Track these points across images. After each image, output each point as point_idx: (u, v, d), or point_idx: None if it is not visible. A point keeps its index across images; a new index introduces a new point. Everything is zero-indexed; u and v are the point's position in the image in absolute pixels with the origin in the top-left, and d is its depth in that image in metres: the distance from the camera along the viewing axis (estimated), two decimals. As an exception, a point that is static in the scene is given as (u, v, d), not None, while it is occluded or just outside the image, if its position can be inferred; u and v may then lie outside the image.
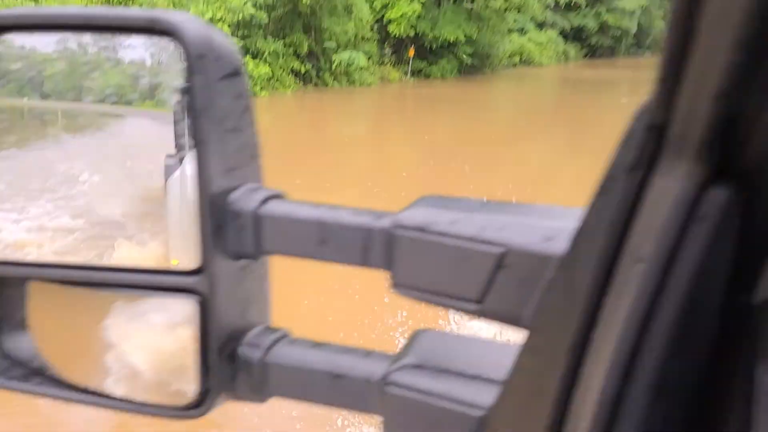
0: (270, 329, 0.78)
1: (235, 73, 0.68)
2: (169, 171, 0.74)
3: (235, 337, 0.73)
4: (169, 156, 0.74)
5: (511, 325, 0.63)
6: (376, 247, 0.66)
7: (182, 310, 0.83)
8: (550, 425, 0.59)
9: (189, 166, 0.72)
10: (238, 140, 0.69)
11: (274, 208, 0.69)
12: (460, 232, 0.61)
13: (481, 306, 0.62)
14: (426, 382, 0.67)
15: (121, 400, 0.73)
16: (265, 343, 0.75)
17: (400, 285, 0.66)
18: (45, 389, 0.73)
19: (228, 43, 0.67)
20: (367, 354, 0.74)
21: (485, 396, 0.65)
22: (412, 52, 27.72)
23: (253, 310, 0.76)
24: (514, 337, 0.89)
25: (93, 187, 0.80)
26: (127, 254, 0.75)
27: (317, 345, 0.76)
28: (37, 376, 0.75)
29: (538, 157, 15.39)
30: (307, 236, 0.68)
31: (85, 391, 0.73)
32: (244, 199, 0.69)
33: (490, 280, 0.60)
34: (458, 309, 0.63)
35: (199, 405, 0.71)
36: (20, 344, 0.78)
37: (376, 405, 0.71)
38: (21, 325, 0.79)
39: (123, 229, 0.77)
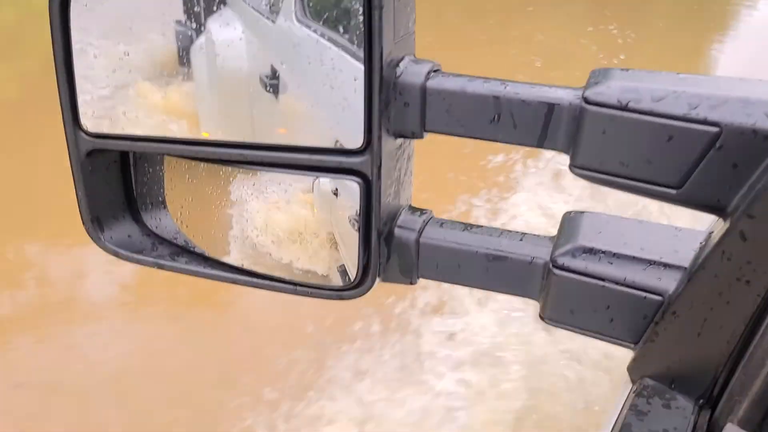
0: (416, 209, 0.75)
1: None
2: (183, 38, 0.68)
3: (391, 218, 0.71)
4: (179, 22, 0.67)
5: (711, 211, 0.59)
6: (559, 125, 0.61)
7: (328, 185, 0.80)
8: (753, 315, 0.57)
9: (217, 32, 0.66)
10: (405, 6, 0.62)
11: (442, 82, 0.63)
12: (668, 111, 0.55)
13: (680, 192, 0.57)
14: (601, 266, 0.65)
15: (277, 280, 0.71)
16: (418, 225, 0.72)
17: (582, 167, 0.61)
18: (197, 268, 0.72)
19: None
20: (522, 236, 0.71)
21: (665, 282, 0.63)
22: None
23: (403, 190, 0.73)
24: (680, 221, 0.86)
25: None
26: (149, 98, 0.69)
27: (467, 226, 0.74)
28: (185, 253, 0.74)
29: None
30: (479, 113, 0.62)
31: (238, 270, 0.72)
32: (409, 72, 0.63)
33: (696, 163, 0.56)
34: (649, 194, 0.59)
35: (358, 286, 0.70)
36: (162, 221, 0.76)
37: (537, 289, 0.69)
38: (160, 202, 0.77)
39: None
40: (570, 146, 0.61)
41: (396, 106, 0.63)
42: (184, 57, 0.69)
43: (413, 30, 0.67)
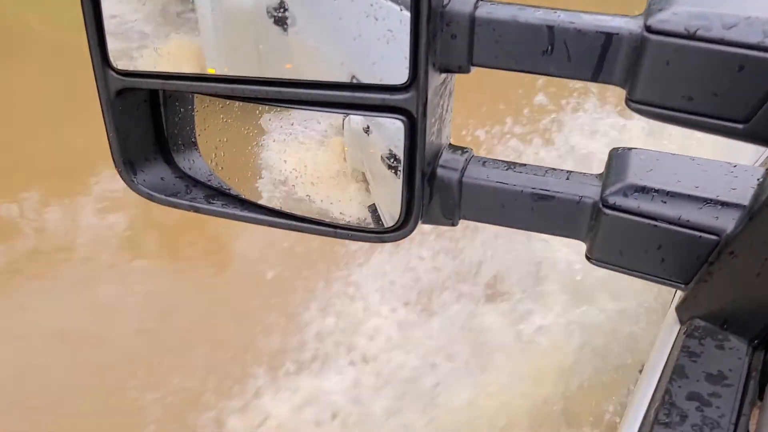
0: (456, 148, 0.73)
1: None
2: None
3: (433, 158, 0.68)
4: None
5: None
6: (617, 57, 0.57)
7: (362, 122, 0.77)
8: None
9: None
10: None
11: (492, 10, 0.59)
12: (740, 39, 0.52)
13: (746, 126, 0.54)
14: (654, 205, 0.62)
15: (316, 223, 0.70)
16: (460, 164, 0.70)
17: (640, 102, 0.58)
18: (234, 211, 0.70)
19: None
20: (569, 175, 0.69)
21: (722, 221, 0.61)
22: None
23: (444, 128, 0.70)
24: (733, 157, 0.83)
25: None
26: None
27: (511, 165, 0.71)
28: (220, 196, 0.72)
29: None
30: (530, 44, 0.59)
31: (276, 213, 0.70)
32: (457, 0, 0.59)
33: (766, 95, 0.52)
34: (712, 130, 0.56)
35: (401, 228, 0.68)
36: (195, 163, 0.74)
37: (584, 229, 0.67)
38: (192, 143, 0.74)
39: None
40: (628, 79, 0.58)
41: (442, 38, 0.60)
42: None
43: None
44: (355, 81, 0.63)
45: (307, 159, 0.81)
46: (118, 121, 0.66)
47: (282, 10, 0.66)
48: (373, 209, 0.87)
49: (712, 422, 0.52)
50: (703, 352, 0.59)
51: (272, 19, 0.68)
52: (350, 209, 0.82)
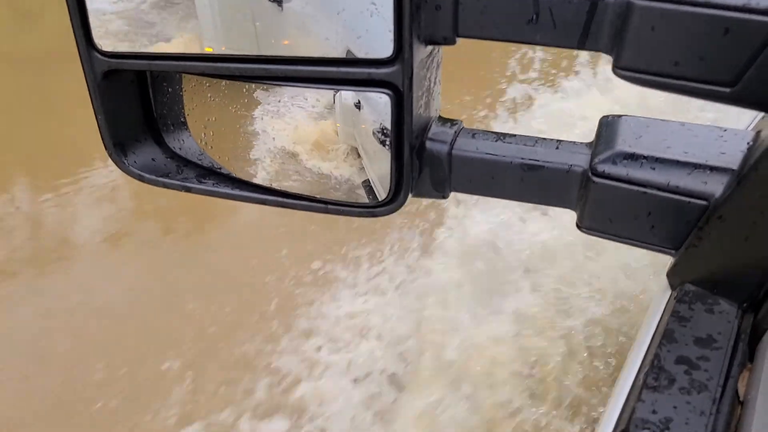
0: (445, 120, 0.73)
1: None
2: None
3: (421, 131, 0.68)
4: None
5: (766, 110, 0.56)
6: (603, 23, 0.56)
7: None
8: None
9: None
10: None
11: None
12: (726, 1, 0.51)
13: (733, 90, 0.54)
14: (643, 172, 0.62)
15: (308, 199, 0.70)
16: (449, 136, 0.70)
17: (627, 69, 0.57)
18: (225, 189, 0.70)
19: None
20: (558, 144, 0.69)
21: (711, 185, 0.61)
22: None
23: (433, 100, 0.70)
24: (723, 120, 0.82)
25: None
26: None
27: (501, 135, 0.71)
28: (212, 175, 0.73)
29: None
30: (515, 13, 0.58)
31: (268, 190, 0.71)
32: None
33: (752, 58, 0.52)
34: (699, 94, 0.56)
35: (391, 202, 0.69)
36: (185, 143, 0.74)
37: (574, 198, 0.68)
38: (182, 122, 0.74)
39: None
40: (614, 46, 0.57)
41: (426, 10, 0.59)
42: None
43: None
44: (349, 54, 0.63)
45: (295, 134, 0.81)
46: (106, 103, 0.66)
47: None
48: (367, 184, 0.87)
49: (700, 385, 0.53)
50: (693, 317, 0.60)
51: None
52: (343, 185, 0.82)
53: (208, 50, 0.70)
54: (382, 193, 0.76)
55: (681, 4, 0.52)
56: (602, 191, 0.64)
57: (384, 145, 0.74)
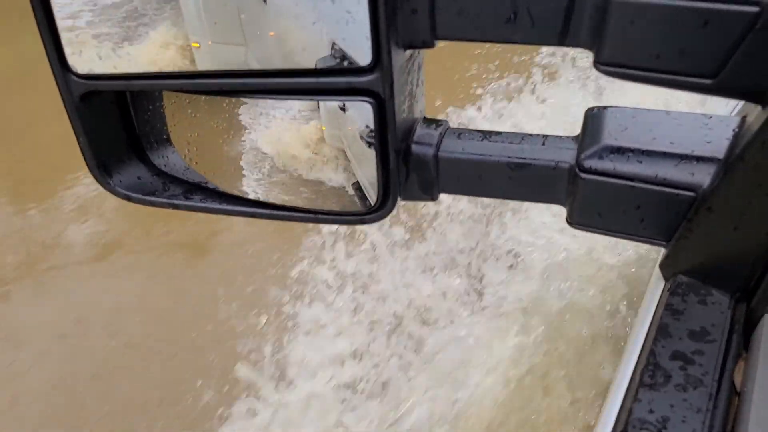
0: (430, 121, 0.72)
1: None
2: None
3: (406, 134, 0.68)
4: None
5: (749, 99, 0.55)
6: (582, 19, 0.56)
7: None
8: None
9: None
10: None
11: None
12: None
13: (715, 81, 0.54)
14: (630, 165, 0.62)
15: (297, 210, 0.70)
16: (435, 138, 0.69)
17: (608, 64, 0.57)
18: (213, 204, 0.70)
19: None
20: (545, 140, 0.68)
21: (698, 176, 0.60)
22: None
23: (416, 103, 0.69)
24: (711, 107, 0.81)
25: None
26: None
27: (486, 134, 0.71)
28: (198, 191, 0.72)
29: None
30: (493, 13, 0.58)
31: (256, 203, 0.70)
32: None
33: (733, 48, 0.52)
34: (682, 87, 0.56)
35: (380, 209, 0.68)
36: (170, 159, 0.74)
37: (563, 194, 0.67)
38: (165, 139, 0.74)
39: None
40: (594, 42, 0.57)
41: (403, 15, 0.58)
42: None
43: None
44: (335, 47, 0.62)
45: (280, 141, 0.80)
46: (86, 125, 0.66)
47: None
48: (357, 186, 0.87)
49: (696, 380, 0.53)
50: (686, 309, 0.60)
51: None
52: (332, 189, 0.82)
53: (195, 45, 0.69)
54: (372, 195, 0.76)
55: None
56: (590, 187, 0.64)
57: (371, 147, 0.73)
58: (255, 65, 0.79)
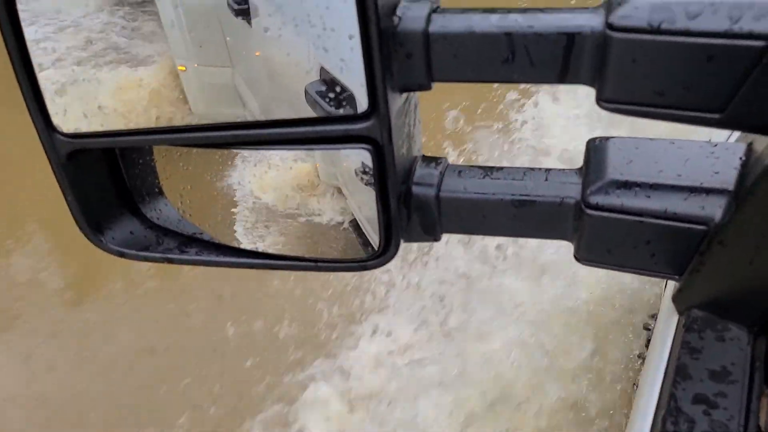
0: (429, 159, 0.70)
1: None
2: None
3: (405, 176, 0.66)
4: None
5: (758, 132, 0.54)
6: (581, 57, 0.54)
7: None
8: None
9: None
10: None
11: (446, 23, 0.56)
12: (707, 28, 0.49)
13: (723, 115, 0.52)
14: (638, 201, 0.60)
15: (296, 259, 0.67)
16: (435, 178, 0.68)
17: (611, 101, 0.55)
18: (209, 257, 0.68)
19: None
20: (547, 174, 0.67)
21: (709, 209, 0.59)
22: None
23: (414, 143, 0.67)
24: (716, 136, 0.80)
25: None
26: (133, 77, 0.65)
27: (488, 171, 0.69)
28: (193, 243, 0.70)
29: None
30: (490, 54, 0.56)
31: (253, 254, 0.68)
32: (408, 18, 0.56)
33: (739, 83, 0.50)
34: (689, 121, 0.54)
35: (382, 254, 0.66)
36: (163, 212, 0.72)
37: (570, 230, 0.66)
38: (157, 192, 0.72)
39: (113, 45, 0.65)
40: (596, 79, 0.55)
41: (398, 59, 0.57)
42: None
43: None
44: (323, 71, 0.60)
45: (277, 183, 0.78)
46: (74, 183, 0.63)
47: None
48: (355, 225, 0.85)
49: (722, 426, 0.51)
50: (704, 347, 0.58)
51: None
52: (330, 231, 0.80)
53: (181, 68, 0.68)
54: (371, 233, 0.74)
55: (660, 34, 0.50)
56: (598, 223, 0.62)
57: (368, 185, 0.71)
58: (242, 86, 0.77)
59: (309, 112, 0.71)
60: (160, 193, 0.72)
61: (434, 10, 0.57)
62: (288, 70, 0.67)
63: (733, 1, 0.49)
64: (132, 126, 0.62)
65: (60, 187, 0.63)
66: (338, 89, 0.61)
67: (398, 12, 0.56)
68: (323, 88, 0.64)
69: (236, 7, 0.64)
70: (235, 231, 0.72)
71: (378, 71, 0.55)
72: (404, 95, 0.61)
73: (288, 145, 0.61)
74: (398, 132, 0.61)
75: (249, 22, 0.64)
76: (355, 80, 0.56)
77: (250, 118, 0.79)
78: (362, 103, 0.57)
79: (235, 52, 0.68)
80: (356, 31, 0.53)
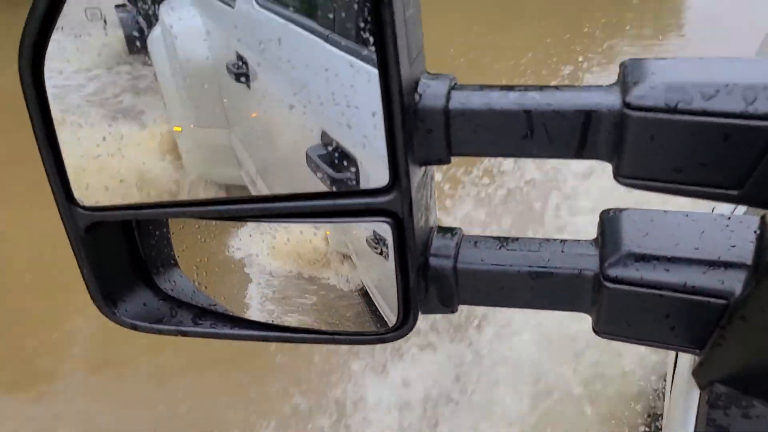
0: (445, 230, 0.71)
1: None
2: (127, 24, 0.62)
3: (423, 248, 0.66)
4: (121, 7, 0.62)
5: None
6: (598, 134, 0.55)
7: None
8: None
9: (173, 21, 0.61)
10: (415, 21, 0.56)
11: (465, 100, 0.57)
12: (723, 108, 0.51)
13: (741, 192, 0.53)
14: (657, 274, 0.61)
15: (313, 332, 0.67)
16: (452, 249, 0.68)
17: (627, 176, 0.56)
18: (224, 330, 0.67)
19: None
20: (563, 245, 0.67)
21: (728, 283, 0.59)
22: None
23: (430, 214, 0.68)
24: (727, 208, 0.81)
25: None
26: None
27: (503, 241, 0.69)
28: (208, 315, 0.69)
29: None
30: (509, 130, 0.57)
31: (269, 327, 0.67)
32: (429, 95, 0.57)
33: (756, 161, 0.51)
34: (707, 197, 0.55)
35: (400, 327, 0.66)
36: (177, 283, 0.71)
37: (588, 302, 0.65)
38: (172, 264, 0.71)
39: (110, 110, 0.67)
40: (614, 155, 0.56)
41: (419, 135, 0.58)
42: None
43: (422, 43, 0.61)
44: (324, 135, 0.60)
45: (288, 251, 0.78)
46: (91, 255, 0.63)
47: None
48: (364, 293, 0.84)
49: None
50: (731, 425, 0.57)
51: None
52: (341, 300, 0.79)
53: (177, 129, 0.68)
54: (380, 302, 0.73)
55: (677, 113, 0.52)
56: (617, 296, 0.62)
57: (380, 254, 0.71)
58: (239, 147, 0.78)
59: (309, 175, 0.71)
60: (175, 264, 0.71)
61: (453, 87, 0.59)
62: (287, 132, 0.68)
63: (746, 83, 0.51)
64: (150, 198, 0.63)
65: (77, 259, 0.63)
66: (338, 155, 0.62)
67: (419, 89, 0.57)
68: (325, 152, 0.65)
69: (236, 71, 0.65)
70: (249, 303, 0.72)
71: (400, 147, 0.56)
72: (423, 168, 0.62)
73: (307, 218, 0.61)
74: (417, 204, 0.61)
75: (248, 85, 0.66)
76: (376, 155, 0.57)
77: (246, 179, 0.80)
78: (383, 178, 0.58)
79: (233, 113, 0.69)
80: (380, 108, 0.54)
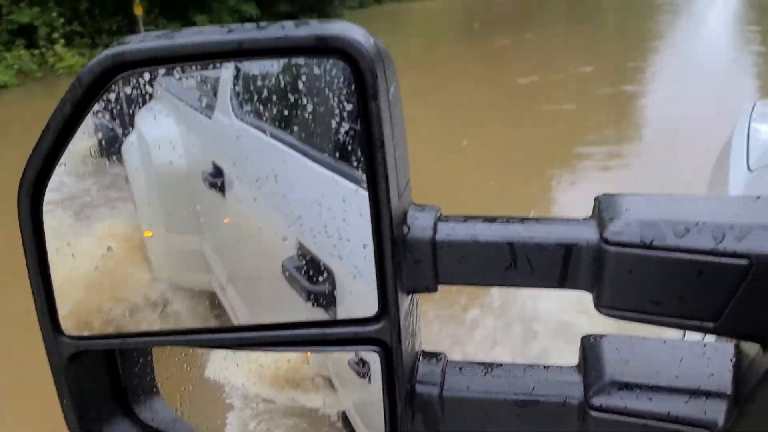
0: (430, 356, 0.71)
1: (396, 83, 0.58)
2: (106, 133, 0.65)
3: (410, 373, 0.66)
4: (97, 113, 0.64)
5: (752, 340, 0.57)
6: (580, 265, 0.58)
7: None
8: None
9: (145, 129, 0.63)
10: (403, 156, 0.60)
11: (451, 232, 0.60)
12: (694, 246, 0.54)
13: (717, 324, 0.55)
14: (640, 403, 0.61)
15: None
16: (438, 376, 0.68)
17: (607, 307, 0.58)
18: None
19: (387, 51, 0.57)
20: (547, 372, 0.68)
21: (710, 414, 0.60)
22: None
23: (416, 339, 0.69)
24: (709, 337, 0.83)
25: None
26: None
27: (488, 367, 0.70)
28: None
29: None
30: (493, 261, 0.60)
31: None
32: (417, 227, 0.60)
33: (729, 296, 0.54)
34: (685, 328, 0.57)
35: None
36: (158, 413, 0.69)
37: (575, 429, 0.65)
38: (154, 392, 0.70)
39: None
40: (594, 286, 0.58)
41: (407, 265, 0.60)
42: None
43: (409, 176, 0.64)
44: (301, 247, 0.61)
45: (268, 375, 0.77)
46: (72, 385, 0.62)
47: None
48: (344, 417, 0.83)
49: None
50: None
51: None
52: (322, 424, 0.77)
53: (147, 234, 0.68)
54: (359, 424, 0.72)
55: (653, 249, 0.55)
56: (602, 425, 0.62)
57: (362, 376, 0.71)
58: (209, 252, 0.78)
59: (282, 284, 0.72)
60: (157, 392, 0.70)
61: (439, 218, 0.61)
62: (262, 241, 0.69)
63: (715, 220, 0.54)
64: (138, 329, 0.62)
65: (57, 388, 0.61)
66: (311, 268, 0.62)
67: (408, 221, 0.60)
68: (301, 263, 0.66)
69: (211, 180, 0.66)
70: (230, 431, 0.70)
71: (389, 277, 0.57)
72: (410, 296, 0.63)
73: (295, 347, 0.61)
74: (405, 332, 0.62)
75: (224, 194, 0.67)
76: (366, 285, 0.58)
77: (215, 285, 0.79)
78: (372, 308, 0.59)
79: (205, 220, 0.69)
80: (370, 240, 0.56)
